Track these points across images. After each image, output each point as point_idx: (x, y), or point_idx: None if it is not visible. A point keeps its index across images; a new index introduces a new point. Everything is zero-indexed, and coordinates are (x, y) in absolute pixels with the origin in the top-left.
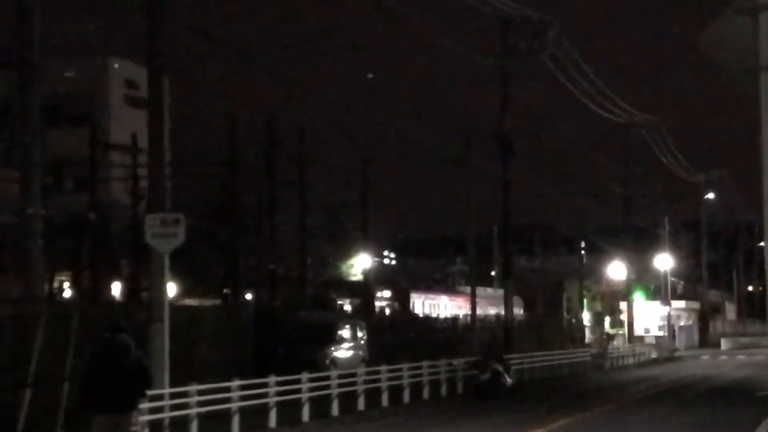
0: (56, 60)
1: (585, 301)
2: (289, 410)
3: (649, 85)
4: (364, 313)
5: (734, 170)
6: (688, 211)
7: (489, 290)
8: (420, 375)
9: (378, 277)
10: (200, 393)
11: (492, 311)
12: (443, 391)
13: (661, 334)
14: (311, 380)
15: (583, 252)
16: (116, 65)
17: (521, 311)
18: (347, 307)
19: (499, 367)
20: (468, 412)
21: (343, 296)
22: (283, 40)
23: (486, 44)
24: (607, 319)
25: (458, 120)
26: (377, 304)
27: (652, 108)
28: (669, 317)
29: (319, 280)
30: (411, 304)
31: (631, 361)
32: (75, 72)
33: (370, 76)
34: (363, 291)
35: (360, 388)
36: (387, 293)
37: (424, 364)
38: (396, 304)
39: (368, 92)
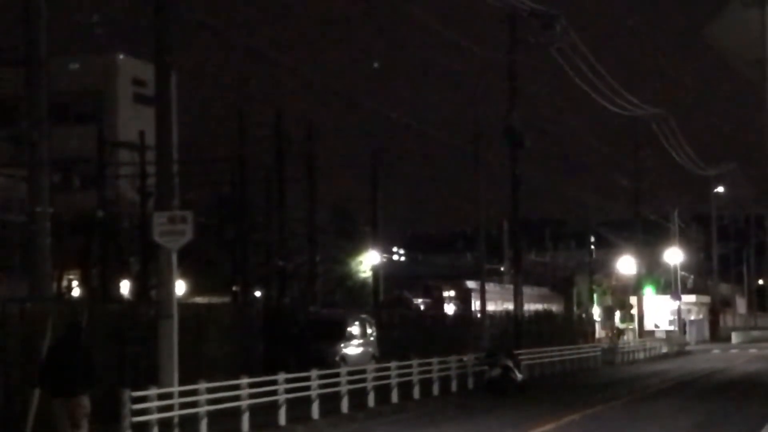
0: (63, 57)
1: (595, 295)
2: (298, 407)
3: (657, 79)
4: (435, 310)
5: (744, 163)
6: (698, 204)
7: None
8: (430, 371)
9: (387, 274)
10: (209, 390)
11: (535, 306)
12: (453, 386)
13: (671, 328)
14: (321, 377)
15: (592, 246)
16: (124, 62)
17: (561, 307)
18: (422, 307)
19: (510, 363)
20: (478, 408)
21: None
22: (290, 35)
23: (494, 39)
24: (618, 314)
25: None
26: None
27: (661, 102)
28: (679, 311)
29: (330, 276)
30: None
31: (641, 355)
32: (82, 69)
33: (375, 65)
34: (433, 291)
35: (370, 384)
36: (452, 293)
37: (434, 360)
38: (459, 301)
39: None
